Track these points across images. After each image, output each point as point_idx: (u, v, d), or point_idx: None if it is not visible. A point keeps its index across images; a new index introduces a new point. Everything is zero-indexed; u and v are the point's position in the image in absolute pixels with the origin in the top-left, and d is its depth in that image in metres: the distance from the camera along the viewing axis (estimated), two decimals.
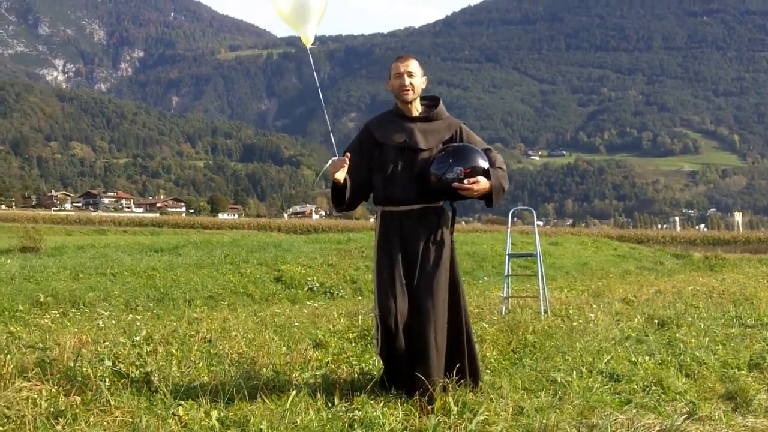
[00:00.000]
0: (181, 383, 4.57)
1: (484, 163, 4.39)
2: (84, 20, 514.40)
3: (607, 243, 29.01)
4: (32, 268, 12.14)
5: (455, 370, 4.39)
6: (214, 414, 3.86)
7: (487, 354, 5.74)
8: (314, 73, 5.39)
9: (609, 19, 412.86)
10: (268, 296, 12.43)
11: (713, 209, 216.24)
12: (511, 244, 10.09)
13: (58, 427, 3.62)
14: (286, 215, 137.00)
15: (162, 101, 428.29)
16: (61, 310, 9.54)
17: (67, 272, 11.90)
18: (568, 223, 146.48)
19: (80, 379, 4.48)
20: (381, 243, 4.49)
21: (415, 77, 4.51)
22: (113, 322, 8.00)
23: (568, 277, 17.81)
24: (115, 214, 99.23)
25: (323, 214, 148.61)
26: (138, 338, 6.12)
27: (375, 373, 4.89)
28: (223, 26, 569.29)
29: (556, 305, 9.47)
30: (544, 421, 3.86)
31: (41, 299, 9.85)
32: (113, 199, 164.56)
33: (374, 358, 5.26)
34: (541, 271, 9.20)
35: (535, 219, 10.86)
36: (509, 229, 10.31)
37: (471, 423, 3.85)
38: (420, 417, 3.97)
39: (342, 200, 4.56)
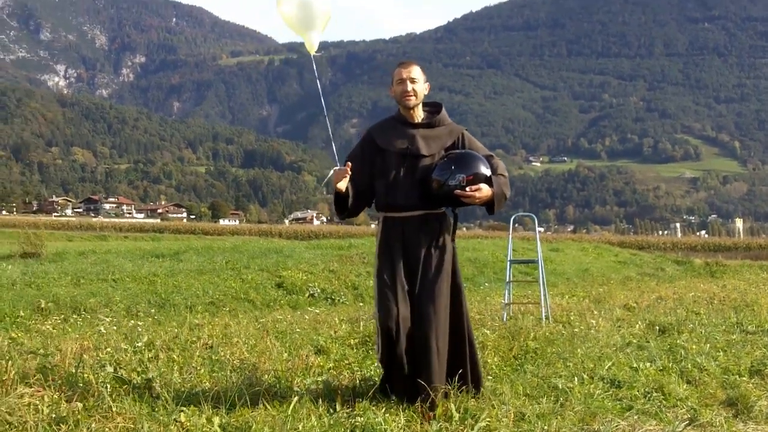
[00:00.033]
0: (182, 389, 4.57)
1: (486, 170, 4.40)
2: (86, 26, 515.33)
3: (608, 249, 29.00)
4: (33, 274, 12.15)
5: (457, 377, 4.39)
6: (216, 420, 3.86)
7: (489, 360, 5.74)
8: (317, 80, 5.39)
9: (610, 26, 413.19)
10: (269, 302, 12.43)
11: (714, 215, 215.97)
12: (512, 250, 10.10)
13: None
14: (287, 221, 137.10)
15: (163, 107, 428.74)
16: (63, 316, 9.55)
17: (69, 278, 11.90)
18: (569, 229, 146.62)
19: (82, 385, 4.49)
20: (382, 249, 4.49)
21: (418, 83, 4.51)
22: (114, 328, 8.01)
23: (569, 284, 17.80)
24: (116, 220, 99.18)
25: (324, 219, 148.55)
26: (139, 344, 6.13)
27: (377, 379, 4.88)
28: (224, 32, 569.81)
29: (558, 311, 9.47)
30: (546, 427, 3.87)
31: (42, 305, 9.85)
32: (114, 205, 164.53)
33: (376, 365, 5.27)
34: (543, 278, 9.20)
35: (537, 225, 10.86)
36: (510, 236, 10.31)
37: (473, 429, 3.86)
38: (422, 423, 3.97)
39: (345, 209, 4.56)
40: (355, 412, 4.09)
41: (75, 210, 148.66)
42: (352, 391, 4.59)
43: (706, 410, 4.38)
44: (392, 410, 4.14)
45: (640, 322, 8.24)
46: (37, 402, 3.99)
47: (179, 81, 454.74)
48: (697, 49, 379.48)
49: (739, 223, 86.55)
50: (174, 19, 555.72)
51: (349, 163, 4.43)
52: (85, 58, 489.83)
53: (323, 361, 5.62)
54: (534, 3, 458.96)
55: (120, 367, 5.14)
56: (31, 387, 4.28)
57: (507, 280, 9.45)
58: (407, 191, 4.45)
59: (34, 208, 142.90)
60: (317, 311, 10.39)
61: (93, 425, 3.72)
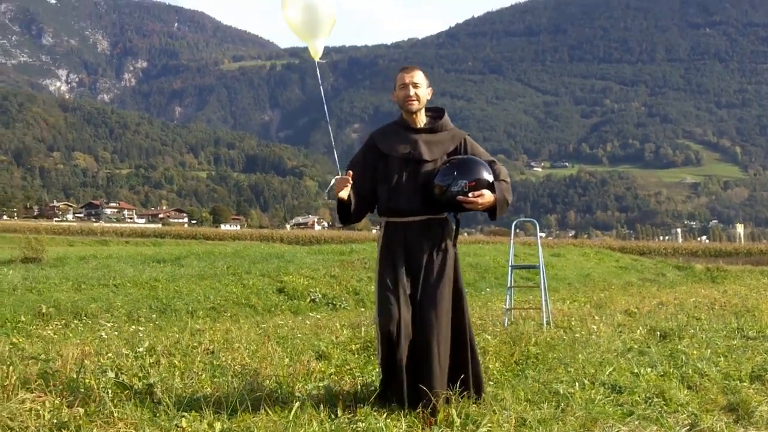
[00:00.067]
0: (184, 395, 4.58)
1: (488, 176, 4.40)
2: (87, 30, 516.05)
3: (609, 254, 29.00)
4: (34, 279, 12.15)
5: (458, 382, 4.38)
6: (218, 426, 3.86)
7: (490, 365, 5.73)
8: (320, 86, 5.40)
9: (612, 31, 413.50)
10: (270, 307, 12.42)
11: (715, 221, 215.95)
12: (513, 255, 10.09)
13: None
14: (288, 226, 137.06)
15: (165, 112, 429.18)
16: (64, 321, 9.55)
17: (70, 283, 11.90)
18: (570, 235, 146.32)
19: (83, 390, 4.50)
20: (384, 253, 4.49)
21: (420, 88, 4.52)
22: (116, 333, 8.02)
23: (570, 289, 17.79)
24: (118, 225, 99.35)
25: (326, 225, 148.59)
26: (141, 349, 6.13)
27: (378, 384, 4.89)
28: (226, 37, 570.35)
29: (559, 317, 9.46)
30: None
31: (43, 310, 9.85)
32: (115, 210, 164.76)
33: (377, 370, 5.27)
34: (544, 283, 9.20)
35: (538, 230, 10.85)
36: (512, 241, 10.30)
37: None
38: (423, 429, 3.97)
39: (347, 216, 4.56)
40: (356, 418, 4.09)
41: (76, 215, 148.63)
42: (353, 397, 4.58)
43: (707, 416, 4.38)
44: (393, 416, 4.14)
45: (641, 328, 8.24)
46: (39, 407, 3.99)
47: (181, 86, 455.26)
48: (699, 55, 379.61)
49: (740, 228, 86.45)
50: (176, 24, 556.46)
51: (350, 172, 4.43)
52: (87, 63, 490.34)
53: (325, 367, 5.62)
54: (536, 8, 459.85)
55: (121, 373, 5.14)
56: (33, 392, 4.28)
57: (508, 285, 9.45)
58: (410, 196, 4.45)
59: (36, 213, 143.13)
60: (318, 316, 10.38)
61: (94, 430, 3.73)
